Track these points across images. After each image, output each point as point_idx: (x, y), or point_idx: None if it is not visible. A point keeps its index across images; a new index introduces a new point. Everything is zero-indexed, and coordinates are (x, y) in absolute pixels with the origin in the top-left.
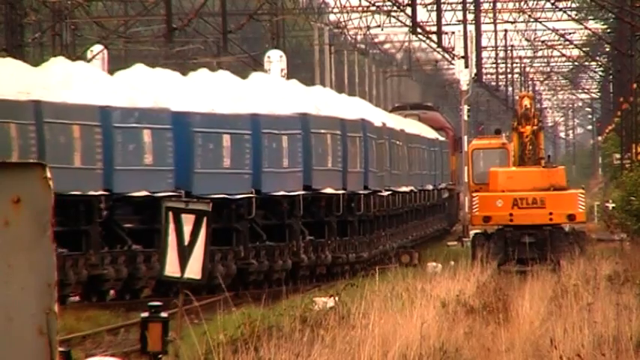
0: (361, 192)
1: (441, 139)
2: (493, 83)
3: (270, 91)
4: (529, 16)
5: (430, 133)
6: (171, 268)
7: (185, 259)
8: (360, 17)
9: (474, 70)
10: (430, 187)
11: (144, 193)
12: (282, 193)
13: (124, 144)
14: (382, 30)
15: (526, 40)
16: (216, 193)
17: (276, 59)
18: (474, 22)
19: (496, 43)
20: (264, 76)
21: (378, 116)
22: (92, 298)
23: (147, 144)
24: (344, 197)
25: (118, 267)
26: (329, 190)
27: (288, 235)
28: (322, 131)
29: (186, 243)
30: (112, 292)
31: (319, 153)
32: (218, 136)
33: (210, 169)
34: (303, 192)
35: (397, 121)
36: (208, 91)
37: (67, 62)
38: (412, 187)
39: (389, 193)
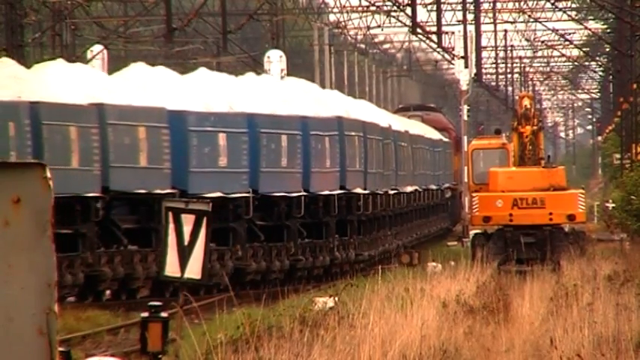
0: (377, 191)
1: (444, 139)
2: (493, 83)
3: (311, 94)
4: (529, 16)
5: (433, 134)
6: (171, 268)
7: (185, 259)
8: (360, 17)
9: (474, 70)
10: (434, 186)
11: (218, 194)
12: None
13: (199, 147)
14: (382, 30)
15: (526, 40)
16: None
17: (276, 59)
18: (473, 22)
19: (496, 43)
20: (301, 82)
21: (385, 118)
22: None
23: (221, 147)
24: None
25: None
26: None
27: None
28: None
29: (186, 243)
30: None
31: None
32: (278, 137)
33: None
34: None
35: (402, 123)
36: (270, 95)
37: (146, 67)
38: (417, 187)
39: (394, 192)
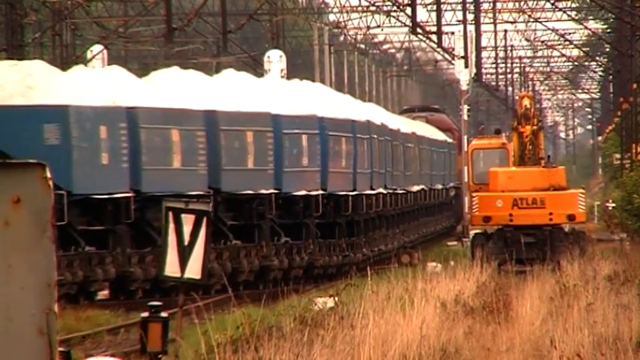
0: (383, 191)
1: (449, 140)
2: (493, 83)
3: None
4: (529, 16)
5: (438, 135)
6: (171, 268)
7: (185, 259)
8: (360, 17)
9: (474, 70)
10: (439, 186)
11: (303, 192)
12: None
13: (290, 148)
14: (382, 30)
15: (526, 40)
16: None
17: (276, 59)
18: (473, 22)
19: (496, 43)
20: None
21: (393, 120)
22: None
23: (305, 148)
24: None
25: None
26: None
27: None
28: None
29: (186, 243)
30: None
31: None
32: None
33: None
34: (321, 192)
35: (409, 124)
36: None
37: (235, 72)
38: (423, 186)
39: (402, 192)
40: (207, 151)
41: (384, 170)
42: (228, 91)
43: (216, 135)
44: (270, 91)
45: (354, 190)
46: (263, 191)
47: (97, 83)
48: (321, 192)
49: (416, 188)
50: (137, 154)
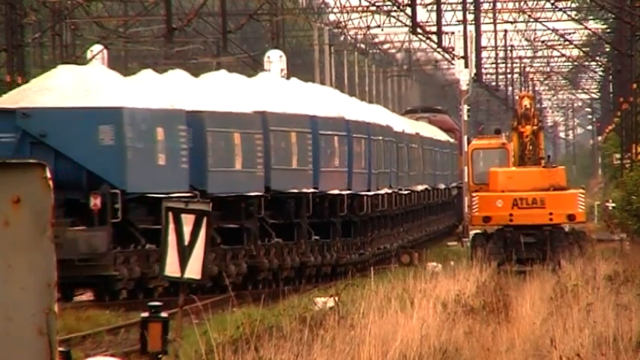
0: (387, 191)
1: (451, 140)
2: (493, 83)
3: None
4: (529, 16)
5: (441, 136)
6: (171, 268)
7: (185, 259)
8: (360, 17)
9: (474, 70)
10: (442, 185)
11: (336, 191)
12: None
13: (325, 149)
14: (382, 30)
15: (526, 40)
16: None
17: (276, 59)
18: (473, 22)
19: (496, 43)
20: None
21: (398, 122)
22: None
23: (336, 149)
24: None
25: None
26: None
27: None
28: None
29: (186, 243)
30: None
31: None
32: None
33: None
34: (348, 192)
35: (413, 126)
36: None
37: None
38: (427, 186)
39: (407, 192)
40: (264, 152)
41: (390, 170)
42: (270, 92)
43: (266, 136)
44: (308, 94)
45: (368, 190)
46: (305, 190)
47: (156, 86)
48: (347, 192)
49: (420, 188)
50: (203, 156)
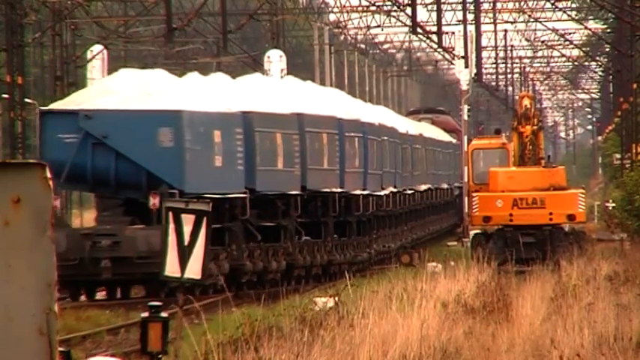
0: (392, 190)
1: (453, 141)
2: (493, 83)
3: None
4: (529, 16)
5: (444, 136)
6: (171, 268)
7: (185, 259)
8: (360, 17)
9: (474, 70)
10: (445, 185)
11: (365, 192)
12: (365, 192)
13: (349, 150)
14: (382, 30)
15: (526, 40)
16: None
17: (276, 59)
18: (474, 22)
19: (496, 43)
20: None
21: (402, 123)
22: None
23: (356, 150)
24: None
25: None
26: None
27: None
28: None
29: (186, 243)
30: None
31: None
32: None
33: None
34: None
35: (416, 127)
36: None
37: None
38: (430, 186)
39: (411, 191)
40: (300, 152)
41: (394, 171)
42: (303, 95)
43: (302, 137)
44: (331, 97)
45: (377, 189)
46: (334, 190)
47: (212, 89)
48: (365, 192)
49: (423, 187)
50: (252, 156)
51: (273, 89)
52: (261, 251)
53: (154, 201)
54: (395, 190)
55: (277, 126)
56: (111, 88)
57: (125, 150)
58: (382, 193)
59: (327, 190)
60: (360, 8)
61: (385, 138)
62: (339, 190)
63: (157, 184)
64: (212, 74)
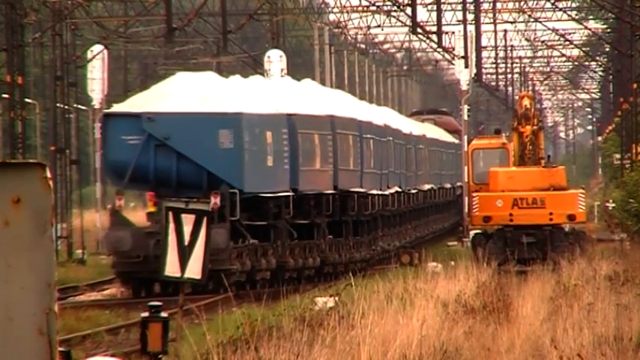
0: (397, 190)
1: (456, 141)
2: (493, 83)
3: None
4: (529, 16)
5: (446, 137)
6: (172, 268)
7: (185, 259)
8: (360, 17)
9: (474, 70)
10: (448, 185)
11: (374, 191)
12: (378, 192)
13: (366, 151)
14: (382, 30)
15: (526, 40)
16: None
17: (276, 59)
18: (474, 22)
19: (496, 43)
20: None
21: (406, 124)
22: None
23: (372, 151)
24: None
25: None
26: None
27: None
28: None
29: (186, 243)
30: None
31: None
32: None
33: None
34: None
35: (420, 127)
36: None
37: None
38: (432, 185)
39: (415, 191)
40: (333, 153)
41: (399, 171)
42: (333, 98)
43: (334, 138)
44: (352, 100)
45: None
46: (354, 189)
47: (263, 91)
48: (379, 192)
49: (426, 187)
50: (295, 157)
51: (306, 92)
52: (299, 249)
53: (214, 200)
54: (400, 189)
55: (315, 127)
56: (170, 92)
57: (186, 151)
58: (387, 192)
59: (353, 189)
60: (360, 8)
61: (390, 139)
62: (361, 189)
63: (217, 184)
64: (250, 77)
